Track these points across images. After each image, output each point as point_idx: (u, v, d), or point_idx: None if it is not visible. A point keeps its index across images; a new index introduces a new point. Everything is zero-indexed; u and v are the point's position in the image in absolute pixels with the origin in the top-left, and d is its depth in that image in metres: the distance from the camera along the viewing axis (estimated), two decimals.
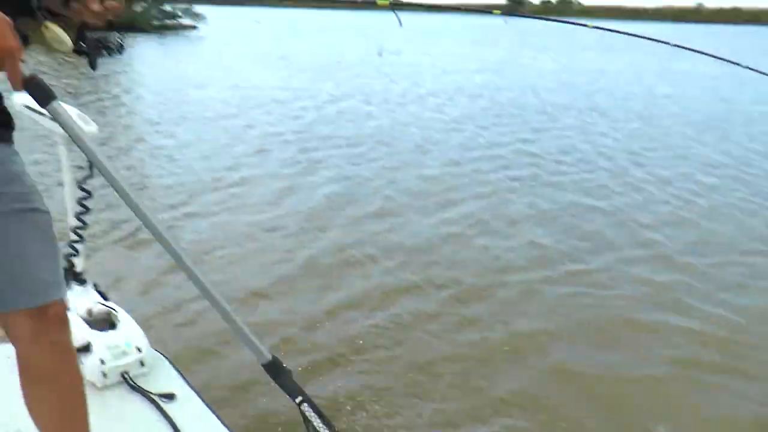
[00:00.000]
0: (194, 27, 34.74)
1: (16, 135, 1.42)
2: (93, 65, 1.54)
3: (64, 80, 13.05)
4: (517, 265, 5.02)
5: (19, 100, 2.12)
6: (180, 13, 35.20)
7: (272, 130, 9.63)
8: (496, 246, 5.41)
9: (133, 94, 12.61)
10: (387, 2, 2.04)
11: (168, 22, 34.32)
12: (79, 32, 1.53)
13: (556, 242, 5.54)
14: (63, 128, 1.29)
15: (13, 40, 1.17)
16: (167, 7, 34.56)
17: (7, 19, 1.18)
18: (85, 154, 1.34)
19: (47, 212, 1.44)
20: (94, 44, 1.54)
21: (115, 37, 1.57)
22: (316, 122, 10.49)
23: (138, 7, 33.93)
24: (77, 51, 1.52)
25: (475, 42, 34.68)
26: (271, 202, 6.26)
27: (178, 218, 5.67)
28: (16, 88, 1.23)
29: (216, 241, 5.20)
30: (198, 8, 37.60)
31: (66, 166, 2.33)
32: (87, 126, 2.39)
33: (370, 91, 14.12)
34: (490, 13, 3.10)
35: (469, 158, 8.35)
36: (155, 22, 33.47)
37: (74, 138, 1.31)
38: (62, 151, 2.31)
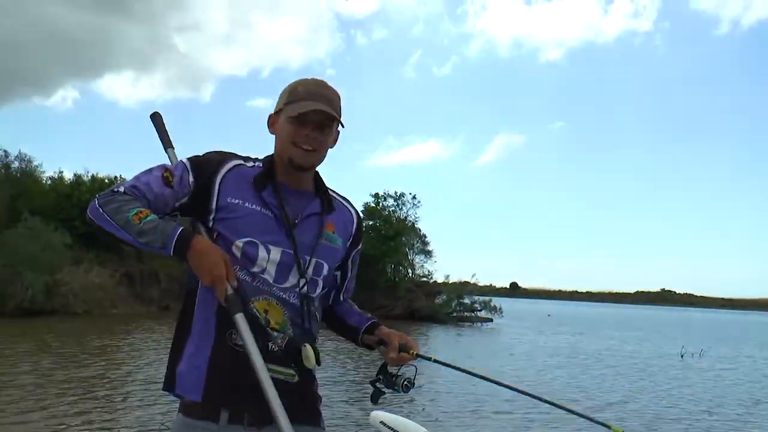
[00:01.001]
0: (490, 320, 35.34)
1: None
2: (374, 399, 1.86)
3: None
4: None
5: (376, 418, 2.53)
6: (479, 306, 36.23)
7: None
8: None
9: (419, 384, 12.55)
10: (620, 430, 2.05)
11: (466, 314, 35.47)
12: (381, 368, 1.85)
13: None
14: (240, 338, 1.58)
15: (222, 270, 1.57)
16: (466, 300, 35.99)
17: (226, 255, 1.60)
18: None
19: None
20: (388, 380, 1.82)
21: (404, 378, 1.81)
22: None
23: (439, 300, 36.11)
24: (372, 383, 1.85)
25: None
26: None
27: None
28: (220, 301, 1.59)
29: None
30: (496, 301, 38.70)
31: None
32: None
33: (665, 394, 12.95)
34: None
35: None
36: (454, 314, 34.91)
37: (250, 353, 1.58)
38: None
